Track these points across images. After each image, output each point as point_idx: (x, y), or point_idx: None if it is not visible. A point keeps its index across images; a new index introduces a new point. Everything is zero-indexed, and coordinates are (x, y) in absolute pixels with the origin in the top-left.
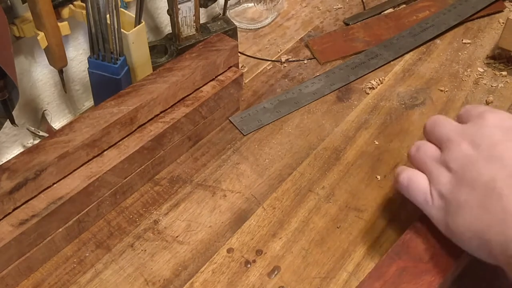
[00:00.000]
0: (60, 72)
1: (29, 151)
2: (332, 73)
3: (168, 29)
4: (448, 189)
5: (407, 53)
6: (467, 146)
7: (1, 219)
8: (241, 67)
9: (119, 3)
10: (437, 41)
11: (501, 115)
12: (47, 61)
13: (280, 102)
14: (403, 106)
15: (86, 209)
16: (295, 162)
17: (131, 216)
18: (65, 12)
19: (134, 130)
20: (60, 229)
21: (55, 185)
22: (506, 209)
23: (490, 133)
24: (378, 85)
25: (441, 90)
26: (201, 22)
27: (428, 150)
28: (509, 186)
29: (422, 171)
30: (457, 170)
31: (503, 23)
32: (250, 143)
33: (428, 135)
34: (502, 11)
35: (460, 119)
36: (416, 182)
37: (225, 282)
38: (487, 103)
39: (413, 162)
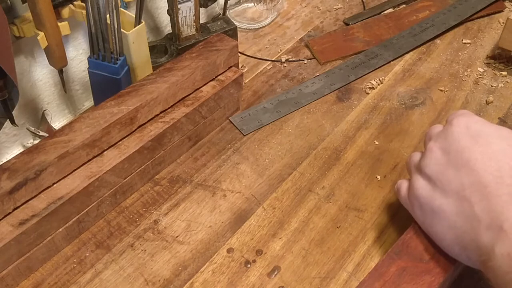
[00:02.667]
0: (60, 72)
1: (29, 151)
2: (332, 73)
3: (168, 29)
4: (422, 194)
5: (407, 53)
6: (438, 153)
7: (1, 219)
8: (241, 67)
9: (119, 3)
10: (437, 41)
11: (467, 119)
12: (47, 61)
13: (280, 102)
14: (403, 106)
15: (86, 209)
16: (295, 162)
17: (131, 216)
18: (65, 12)
19: (134, 130)
20: (60, 229)
21: (55, 185)
22: (477, 215)
23: (457, 138)
24: (378, 85)
25: (441, 90)
26: (201, 22)
27: (413, 158)
28: (476, 192)
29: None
30: (431, 176)
31: (503, 23)
32: (250, 143)
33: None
34: (502, 11)
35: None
36: (400, 189)
37: (225, 282)
38: (487, 103)
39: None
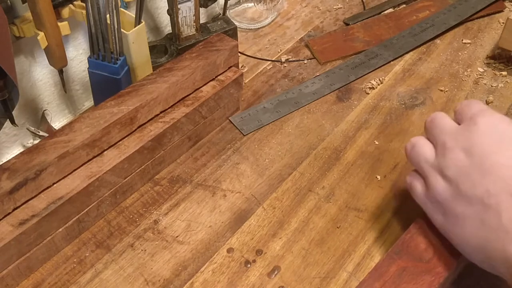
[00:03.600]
0: (60, 72)
1: (29, 151)
2: (332, 73)
3: (168, 29)
4: (444, 198)
5: (407, 53)
6: (461, 154)
7: (1, 219)
8: (241, 67)
9: (119, 3)
10: (437, 41)
11: (492, 119)
12: (47, 61)
13: (280, 102)
14: (403, 106)
15: (86, 209)
16: (295, 162)
17: (131, 216)
18: (65, 12)
19: (134, 130)
20: (60, 229)
21: (55, 185)
22: (504, 225)
23: (482, 141)
24: (378, 85)
25: (441, 90)
26: (201, 22)
27: (422, 150)
28: (504, 201)
29: (419, 173)
30: (453, 179)
31: (503, 23)
32: (250, 143)
33: (427, 133)
34: (502, 11)
35: (456, 116)
36: (415, 187)
37: (225, 282)
38: (487, 103)
39: (409, 160)
